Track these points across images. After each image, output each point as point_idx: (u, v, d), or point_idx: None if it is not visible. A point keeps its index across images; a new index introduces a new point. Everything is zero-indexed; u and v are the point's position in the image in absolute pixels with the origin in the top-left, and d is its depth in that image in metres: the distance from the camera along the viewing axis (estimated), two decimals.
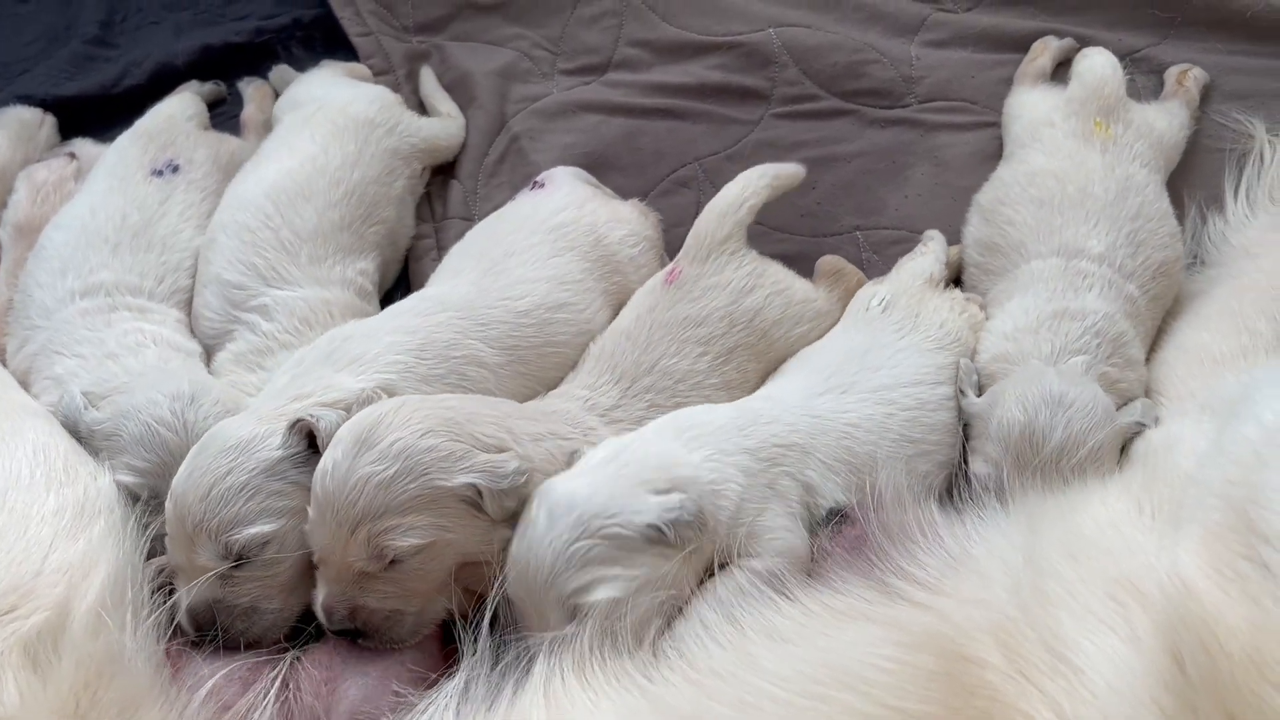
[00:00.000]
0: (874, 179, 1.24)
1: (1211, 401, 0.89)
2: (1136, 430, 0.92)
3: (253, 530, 0.82)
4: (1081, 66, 1.18)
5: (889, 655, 0.69)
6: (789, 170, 1.09)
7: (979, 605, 0.74)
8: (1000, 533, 0.82)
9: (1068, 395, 0.89)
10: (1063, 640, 0.67)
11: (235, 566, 0.83)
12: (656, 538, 0.78)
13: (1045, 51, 1.27)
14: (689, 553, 0.80)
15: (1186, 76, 1.23)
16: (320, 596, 0.82)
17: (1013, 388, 0.92)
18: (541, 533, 0.78)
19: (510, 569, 0.80)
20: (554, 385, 1.02)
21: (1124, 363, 0.96)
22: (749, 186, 1.05)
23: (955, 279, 1.13)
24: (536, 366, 1.02)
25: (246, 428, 0.85)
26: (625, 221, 1.11)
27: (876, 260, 1.18)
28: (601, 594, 0.75)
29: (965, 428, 0.97)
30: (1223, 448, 0.76)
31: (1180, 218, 1.14)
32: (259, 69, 1.36)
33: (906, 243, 1.17)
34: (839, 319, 1.06)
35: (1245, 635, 0.59)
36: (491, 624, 0.80)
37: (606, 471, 0.83)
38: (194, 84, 1.33)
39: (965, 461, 0.95)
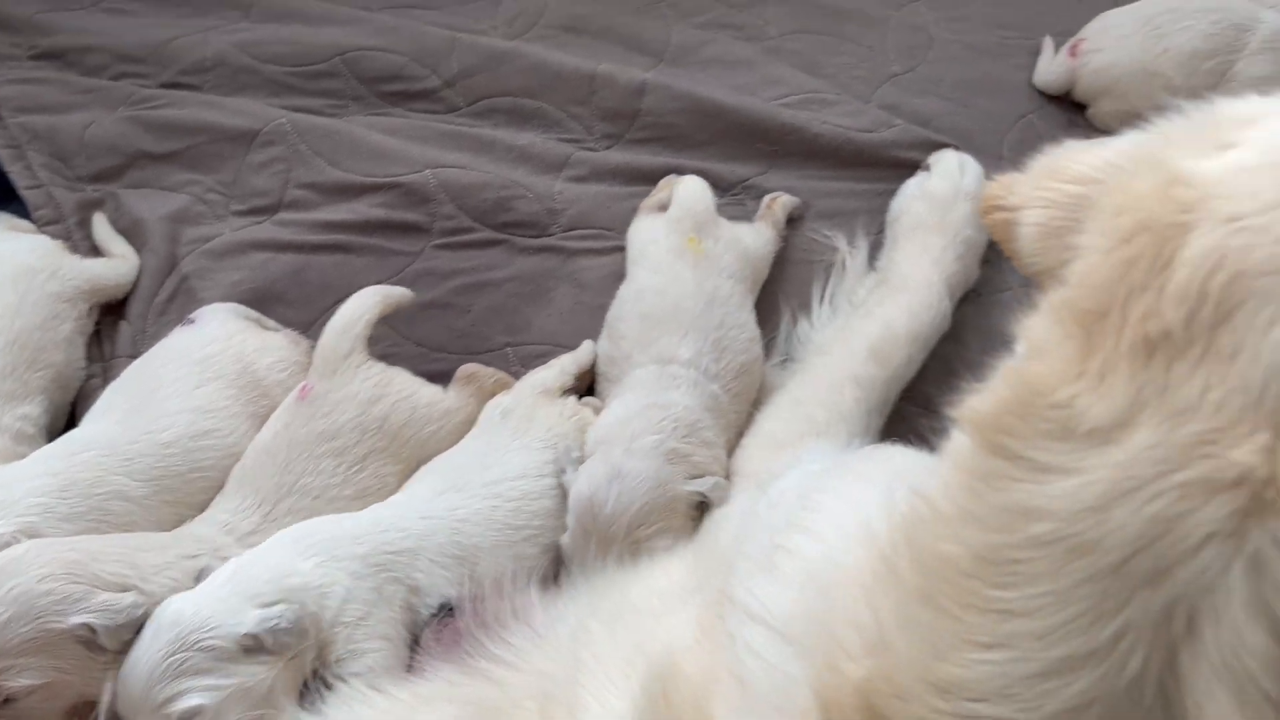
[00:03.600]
0: (522, 300, 1.39)
1: (762, 479, 1.06)
2: (698, 499, 1.08)
3: None
4: (678, 190, 1.38)
5: None
6: (398, 292, 1.24)
7: (538, 675, 0.86)
8: (576, 605, 0.96)
9: (625, 468, 1.04)
10: (581, 703, 0.79)
11: None
12: (253, 646, 0.87)
13: (667, 186, 1.46)
14: (289, 659, 0.89)
15: (775, 202, 1.44)
16: None
17: (586, 465, 1.07)
18: (144, 647, 0.86)
19: (118, 684, 0.87)
20: (204, 508, 1.10)
21: (698, 442, 1.12)
22: (363, 305, 1.18)
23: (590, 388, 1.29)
24: (184, 494, 1.10)
25: None
26: (275, 349, 1.21)
27: (524, 373, 1.32)
28: (189, 702, 0.83)
29: None
30: (743, 519, 0.92)
31: (777, 323, 1.35)
32: None
33: (551, 356, 1.31)
34: (471, 415, 1.19)
35: (697, 683, 0.73)
36: None
37: (221, 588, 0.91)
38: None
39: None
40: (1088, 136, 1.49)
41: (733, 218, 1.45)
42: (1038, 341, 0.59)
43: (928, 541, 0.59)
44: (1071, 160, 0.69)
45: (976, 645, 0.55)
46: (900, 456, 0.91)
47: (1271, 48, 1.51)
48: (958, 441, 0.61)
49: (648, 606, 0.89)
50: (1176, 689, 0.51)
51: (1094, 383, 0.55)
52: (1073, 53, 1.60)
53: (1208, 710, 0.50)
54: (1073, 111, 1.62)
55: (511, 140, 1.52)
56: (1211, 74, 1.51)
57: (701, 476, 1.10)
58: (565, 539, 1.06)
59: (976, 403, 0.60)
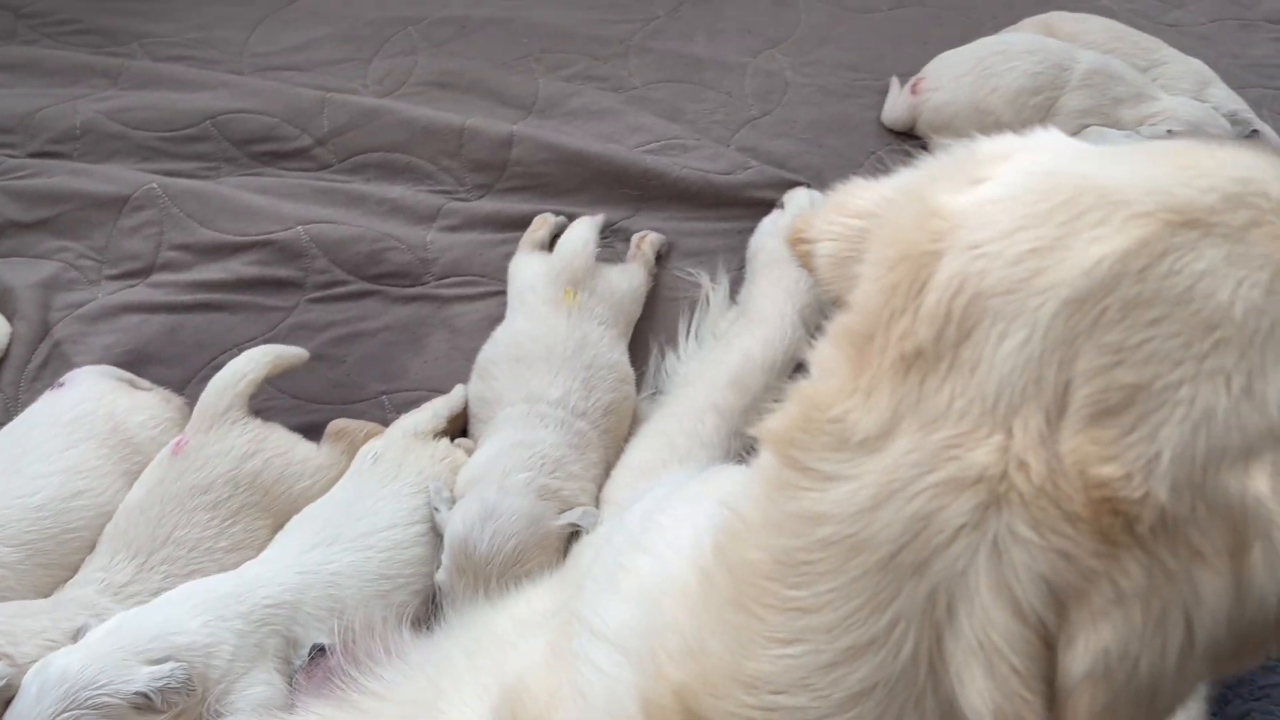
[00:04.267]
0: (397, 349, 1.43)
1: (625, 506, 1.11)
2: (572, 530, 1.12)
3: None
4: (561, 241, 1.43)
5: None
6: (292, 352, 1.26)
7: (405, 704, 0.90)
8: (448, 639, 0.99)
9: (498, 506, 1.08)
10: None
11: None
12: (143, 704, 0.89)
13: (544, 225, 1.51)
14: (176, 715, 0.91)
15: (644, 241, 1.51)
16: None
17: (460, 504, 1.10)
18: (30, 704, 0.87)
19: None
20: (78, 569, 1.11)
21: (565, 476, 1.17)
22: (249, 363, 1.21)
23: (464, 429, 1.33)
24: (58, 555, 1.11)
25: None
26: (146, 408, 1.22)
27: None
28: None
29: None
30: (598, 544, 0.97)
31: (647, 358, 1.42)
32: None
33: (426, 401, 1.35)
34: (344, 469, 1.22)
35: (543, 701, 0.77)
36: None
37: (106, 644, 0.93)
38: None
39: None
40: None
41: (602, 260, 1.51)
42: (822, 363, 0.66)
43: (737, 550, 0.65)
44: (855, 196, 0.76)
45: (777, 642, 0.61)
46: (732, 474, 0.97)
47: (1089, 84, 1.64)
48: (762, 457, 0.67)
49: (508, 634, 0.92)
50: (943, 668, 0.57)
51: (863, 398, 0.61)
52: (914, 91, 1.71)
53: (966, 685, 0.56)
54: (917, 147, 1.72)
55: (383, 194, 1.56)
56: (1038, 108, 1.63)
57: (572, 509, 1.15)
58: (440, 575, 1.09)
59: (772, 421, 0.66)
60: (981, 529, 0.56)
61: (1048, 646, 0.56)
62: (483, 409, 1.29)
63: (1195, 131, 1.59)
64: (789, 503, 0.62)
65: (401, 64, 1.76)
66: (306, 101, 1.63)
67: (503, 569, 1.06)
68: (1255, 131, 1.67)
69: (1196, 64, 1.79)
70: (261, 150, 1.60)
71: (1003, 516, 0.56)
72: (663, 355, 1.43)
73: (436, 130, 1.61)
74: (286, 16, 1.82)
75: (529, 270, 1.41)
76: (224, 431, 1.16)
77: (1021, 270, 0.59)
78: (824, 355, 0.67)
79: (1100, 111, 1.63)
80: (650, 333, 1.45)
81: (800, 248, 0.83)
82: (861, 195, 0.77)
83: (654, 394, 1.39)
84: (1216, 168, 0.62)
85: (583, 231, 1.45)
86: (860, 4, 1.98)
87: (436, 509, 1.14)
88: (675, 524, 0.83)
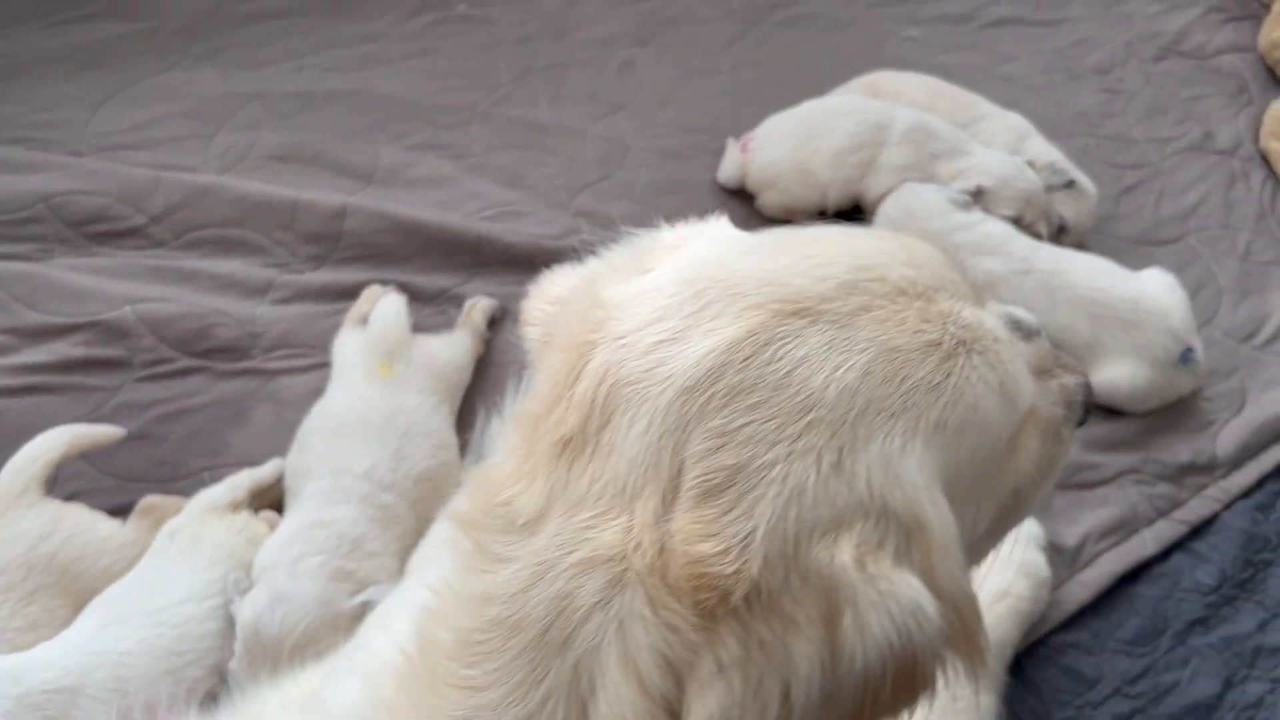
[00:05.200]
0: (222, 424, 1.44)
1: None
2: (366, 608, 1.13)
3: None
4: (374, 316, 1.45)
5: None
6: (97, 430, 1.27)
7: None
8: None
9: (288, 592, 1.10)
10: None
11: None
12: None
13: (370, 299, 1.54)
14: None
15: (475, 308, 1.54)
16: None
17: (251, 592, 1.11)
18: None
19: None
20: None
21: (362, 555, 1.18)
22: (46, 444, 1.22)
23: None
24: None
25: None
26: None
27: None
28: None
29: None
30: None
31: (473, 423, 1.44)
32: None
33: None
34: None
35: None
36: None
37: None
38: None
39: None
40: (761, 227, 1.65)
41: (436, 327, 1.54)
42: (504, 447, 0.69)
43: (433, 630, 0.67)
44: (553, 283, 0.80)
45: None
46: None
47: (907, 140, 1.70)
48: (454, 538, 0.69)
49: (274, 716, 0.93)
50: None
51: (527, 482, 0.65)
52: (744, 149, 1.77)
53: None
54: (750, 205, 1.78)
55: (216, 270, 1.58)
56: (858, 165, 1.70)
57: (368, 588, 1.16)
58: (233, 664, 1.10)
59: (459, 503, 0.69)
60: (610, 606, 0.59)
61: (674, 718, 0.59)
62: (295, 481, 1.30)
63: (1003, 185, 1.66)
64: (471, 583, 0.65)
65: (244, 139, 1.78)
66: (141, 181, 1.65)
67: (294, 651, 1.06)
68: (1072, 181, 1.75)
69: (1015, 118, 1.86)
70: (96, 231, 1.61)
71: (625, 594, 0.59)
72: (488, 420, 1.45)
73: (270, 204, 1.63)
74: (132, 95, 1.84)
75: (348, 347, 1.43)
76: (18, 515, 1.16)
77: (650, 360, 0.63)
78: (506, 438, 0.70)
79: (919, 167, 1.70)
80: (479, 397, 1.47)
81: (525, 330, 0.86)
82: (560, 281, 0.80)
83: (478, 460, 1.41)
84: (839, 255, 0.67)
85: (391, 305, 1.47)
86: (702, 66, 2.05)
87: (231, 600, 1.14)
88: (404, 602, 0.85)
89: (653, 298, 0.67)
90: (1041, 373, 0.83)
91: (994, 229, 1.60)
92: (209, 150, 1.77)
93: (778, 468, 0.58)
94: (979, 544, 0.76)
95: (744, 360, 0.60)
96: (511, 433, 0.69)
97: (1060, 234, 1.73)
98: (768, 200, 1.73)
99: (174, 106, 1.82)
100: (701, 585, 0.57)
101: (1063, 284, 1.54)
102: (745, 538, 0.57)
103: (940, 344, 0.64)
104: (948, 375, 0.63)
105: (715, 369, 0.60)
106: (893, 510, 0.58)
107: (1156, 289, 1.56)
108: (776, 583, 0.57)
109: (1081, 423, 0.85)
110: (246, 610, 1.09)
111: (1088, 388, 0.86)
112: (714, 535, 0.57)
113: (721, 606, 0.57)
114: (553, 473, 0.64)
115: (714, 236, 0.75)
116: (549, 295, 0.79)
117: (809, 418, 0.59)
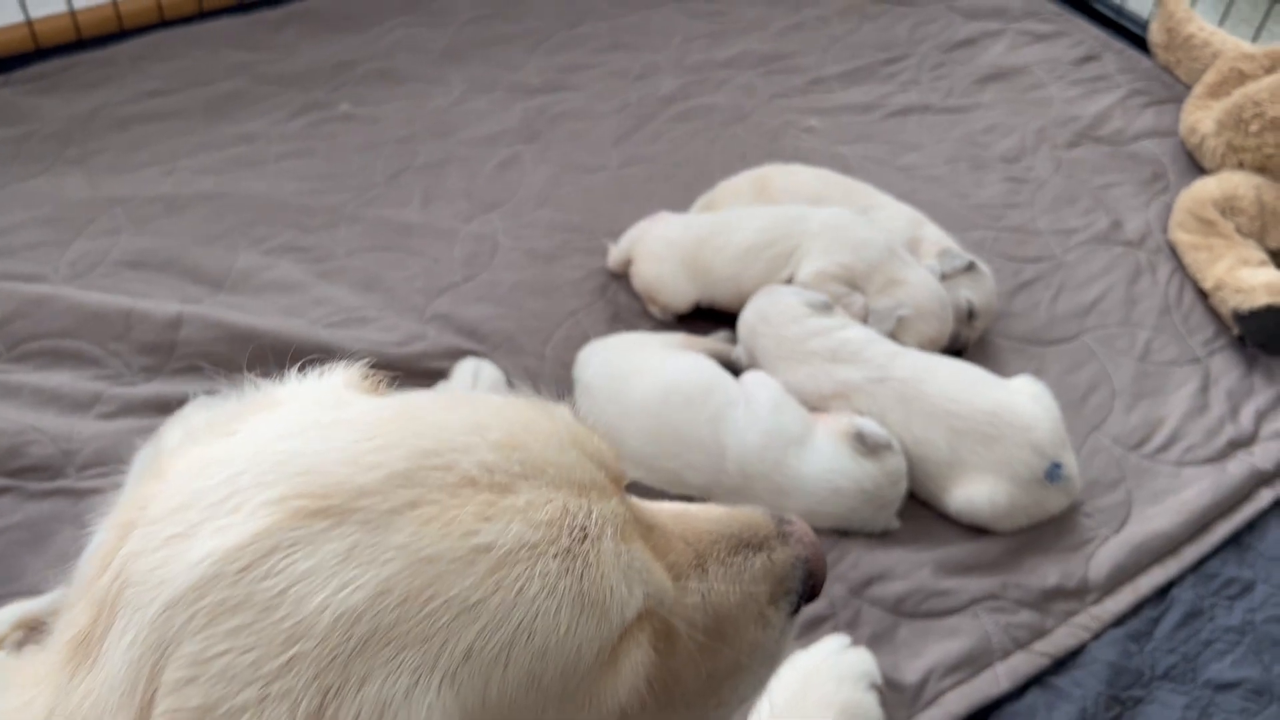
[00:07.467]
0: (22, 548, 1.37)
1: None
2: None
3: None
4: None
5: None
6: None
7: None
8: None
9: None
10: None
11: None
12: None
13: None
14: None
15: None
16: None
17: None
18: None
19: None
20: None
21: None
22: None
23: None
24: None
25: None
26: None
27: None
28: None
29: None
30: None
31: None
32: None
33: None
34: None
35: None
36: None
37: None
38: None
39: None
40: (629, 329, 1.56)
41: None
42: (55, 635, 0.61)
43: None
44: (171, 448, 0.72)
45: None
46: None
47: (828, 227, 1.64)
48: None
49: None
50: None
51: (41, 688, 0.56)
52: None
53: None
54: (617, 305, 1.71)
55: (42, 383, 1.53)
56: (776, 258, 1.63)
57: None
58: None
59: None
60: None
61: None
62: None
63: (919, 319, 1.59)
64: None
65: (101, 245, 1.75)
66: None
67: None
68: (972, 263, 1.67)
69: (907, 208, 1.79)
70: None
71: None
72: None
73: (105, 314, 1.59)
74: None
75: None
76: None
77: (157, 559, 0.52)
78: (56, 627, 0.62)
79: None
80: None
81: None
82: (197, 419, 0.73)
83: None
84: (410, 436, 0.56)
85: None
86: (589, 163, 2.00)
87: None
88: None
89: (193, 478, 0.57)
90: (747, 546, 0.73)
91: (853, 335, 1.52)
92: (62, 258, 1.73)
93: (246, 716, 0.48)
94: None
95: (238, 572, 0.49)
96: (55, 620, 0.61)
97: (970, 318, 1.65)
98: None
99: (35, 213, 1.80)
100: None
101: (918, 394, 1.44)
102: None
103: (491, 549, 0.52)
104: (495, 590, 0.52)
105: (205, 580, 0.50)
106: None
107: (1023, 400, 1.45)
108: None
109: (796, 607, 0.74)
110: None
111: (807, 563, 0.75)
112: None
113: None
114: (57, 680, 0.55)
115: (311, 400, 0.66)
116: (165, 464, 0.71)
117: (292, 651, 0.48)
